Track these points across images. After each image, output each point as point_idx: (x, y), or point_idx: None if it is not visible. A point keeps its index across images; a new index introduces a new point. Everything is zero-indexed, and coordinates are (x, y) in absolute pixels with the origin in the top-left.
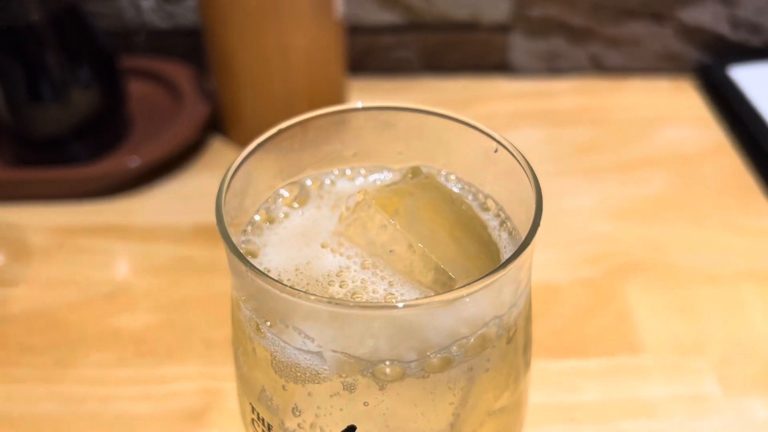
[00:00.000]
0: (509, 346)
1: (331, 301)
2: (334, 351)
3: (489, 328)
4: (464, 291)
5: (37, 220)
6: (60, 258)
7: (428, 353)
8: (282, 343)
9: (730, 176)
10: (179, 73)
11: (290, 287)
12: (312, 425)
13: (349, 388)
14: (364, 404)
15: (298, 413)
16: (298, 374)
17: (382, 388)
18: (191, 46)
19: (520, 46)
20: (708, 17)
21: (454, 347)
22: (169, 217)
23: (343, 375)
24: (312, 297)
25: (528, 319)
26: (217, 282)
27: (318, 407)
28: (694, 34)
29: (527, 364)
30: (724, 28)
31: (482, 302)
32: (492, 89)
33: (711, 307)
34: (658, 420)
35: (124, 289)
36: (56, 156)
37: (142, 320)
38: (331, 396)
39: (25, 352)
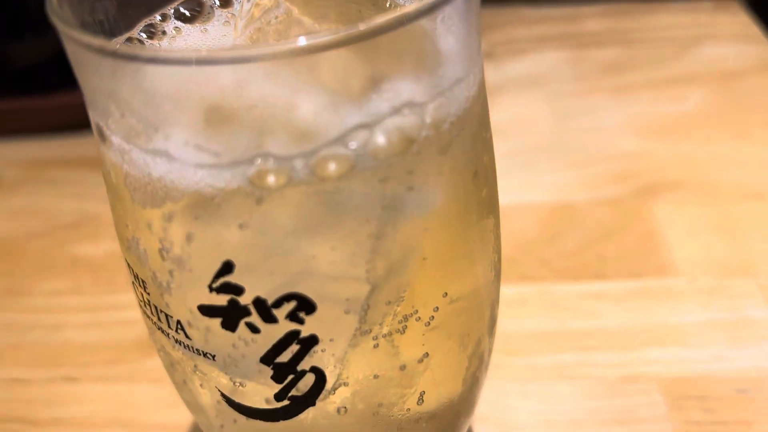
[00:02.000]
0: (444, 159)
1: (155, 53)
2: (186, 144)
3: (404, 119)
4: (350, 34)
5: (8, 154)
6: (27, 189)
7: (317, 147)
8: (127, 147)
9: None
10: None
11: (96, 40)
12: (182, 267)
13: (215, 204)
14: (239, 227)
15: (165, 254)
16: (154, 191)
17: (259, 201)
18: None
19: None
20: None
21: (353, 141)
22: None
23: (203, 182)
24: (125, 47)
25: (481, 142)
26: None
27: (182, 239)
28: None
29: (485, 207)
30: None
31: (382, 67)
32: (512, 16)
33: (757, 225)
34: (693, 348)
35: (89, 219)
36: (35, 90)
37: (104, 248)
38: (195, 219)
39: None
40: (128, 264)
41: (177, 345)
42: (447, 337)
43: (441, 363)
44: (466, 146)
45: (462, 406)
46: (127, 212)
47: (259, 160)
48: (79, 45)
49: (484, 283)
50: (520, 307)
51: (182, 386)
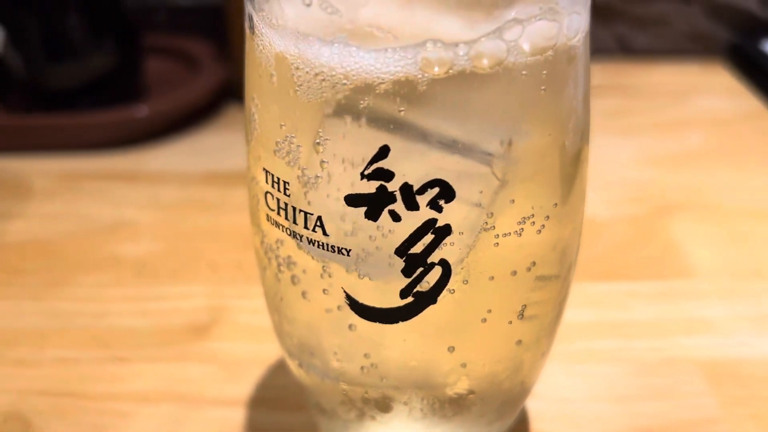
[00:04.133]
0: (569, 69)
1: None
2: (366, 30)
3: (547, 23)
4: None
5: (43, 167)
6: (63, 197)
7: (479, 36)
8: (303, 39)
9: None
10: (199, 49)
11: None
12: (336, 156)
13: (381, 90)
14: (399, 113)
15: (320, 147)
16: (323, 81)
17: (421, 88)
18: (213, 23)
19: None
20: None
21: (507, 33)
22: (180, 166)
23: (374, 68)
24: None
25: (588, 71)
26: (228, 218)
27: (343, 127)
28: (722, 13)
29: (587, 134)
30: (753, 5)
31: None
32: None
33: (765, 237)
34: (722, 337)
35: (127, 223)
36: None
37: (145, 248)
38: (359, 106)
39: (16, 274)
40: (267, 173)
41: (310, 247)
42: (551, 248)
43: (543, 276)
44: (582, 66)
45: (548, 338)
46: (285, 110)
47: (429, 45)
48: None
49: (580, 207)
50: None
51: (297, 302)
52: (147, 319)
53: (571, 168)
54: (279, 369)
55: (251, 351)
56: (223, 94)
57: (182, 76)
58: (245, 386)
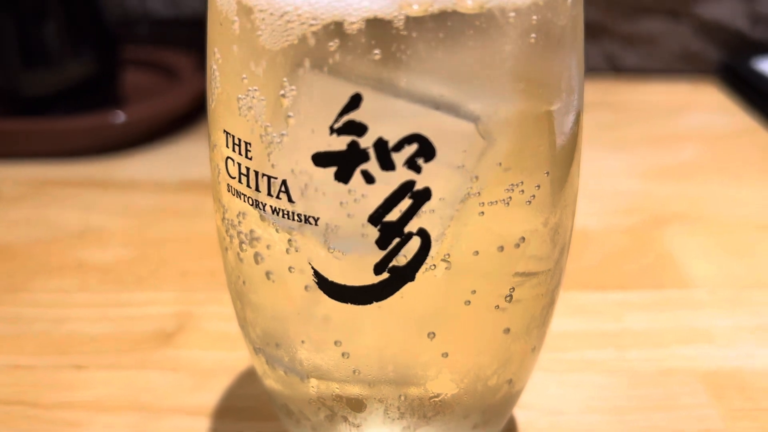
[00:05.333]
0: (562, 18)
1: None
2: None
3: None
4: None
5: (13, 173)
6: (30, 203)
7: None
8: None
9: (766, 153)
10: (179, 61)
11: None
12: (303, 110)
13: (354, 31)
14: (373, 57)
15: (285, 99)
16: (288, 23)
17: (399, 29)
18: (195, 35)
19: None
20: (726, 13)
21: None
22: (155, 174)
23: (345, 3)
24: None
25: (582, 29)
26: (202, 225)
27: (310, 75)
28: (712, 32)
29: (580, 102)
30: (743, 24)
31: None
32: None
33: (764, 249)
34: (723, 348)
35: (95, 229)
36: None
37: (113, 254)
38: (329, 50)
39: None
40: (227, 135)
41: (274, 217)
42: (542, 224)
43: (533, 255)
44: (576, 19)
45: (539, 330)
46: (248, 60)
47: None
48: None
49: (574, 181)
50: None
51: (261, 284)
52: (109, 326)
53: (564, 133)
54: (248, 377)
55: (219, 359)
56: (202, 104)
57: (162, 88)
58: (212, 395)
